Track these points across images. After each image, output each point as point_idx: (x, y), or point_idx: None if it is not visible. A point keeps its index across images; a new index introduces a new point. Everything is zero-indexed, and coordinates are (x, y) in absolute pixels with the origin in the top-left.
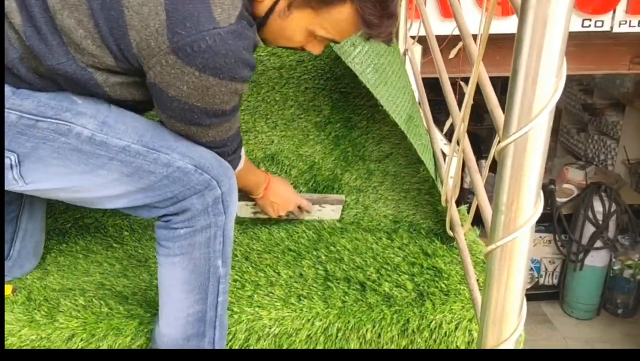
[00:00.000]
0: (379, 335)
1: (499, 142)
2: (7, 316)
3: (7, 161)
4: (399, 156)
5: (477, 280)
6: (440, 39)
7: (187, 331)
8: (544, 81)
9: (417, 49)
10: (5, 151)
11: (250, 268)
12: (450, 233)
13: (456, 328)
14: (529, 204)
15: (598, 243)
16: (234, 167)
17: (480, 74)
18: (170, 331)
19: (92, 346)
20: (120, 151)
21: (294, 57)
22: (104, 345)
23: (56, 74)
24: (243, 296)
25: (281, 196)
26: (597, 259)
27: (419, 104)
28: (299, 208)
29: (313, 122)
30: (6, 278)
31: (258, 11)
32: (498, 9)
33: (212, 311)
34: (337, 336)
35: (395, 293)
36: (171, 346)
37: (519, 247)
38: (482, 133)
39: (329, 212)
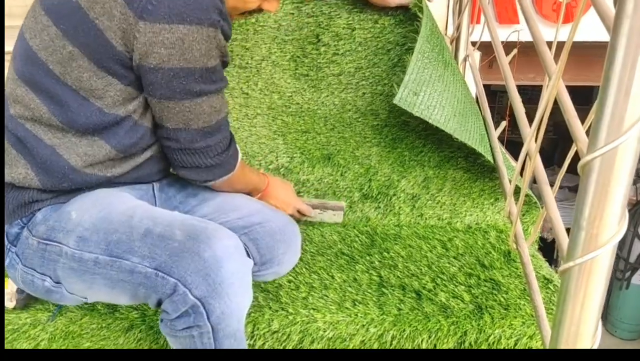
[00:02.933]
0: (435, 345)
1: (575, 155)
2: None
3: (47, 284)
4: (460, 160)
5: None
6: (489, 45)
7: None
8: (637, 94)
9: (477, 55)
10: (42, 275)
11: (304, 270)
12: (513, 246)
13: (515, 344)
14: (613, 222)
15: None
16: (232, 165)
17: (559, 84)
18: None
19: (150, 338)
20: (94, 265)
21: (353, 65)
22: (162, 338)
23: (88, 132)
24: (298, 298)
25: (280, 198)
26: None
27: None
28: (299, 212)
29: (370, 126)
30: None
31: None
32: (553, 15)
33: None
34: (391, 344)
35: (452, 304)
36: None
37: (600, 266)
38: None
39: (330, 215)
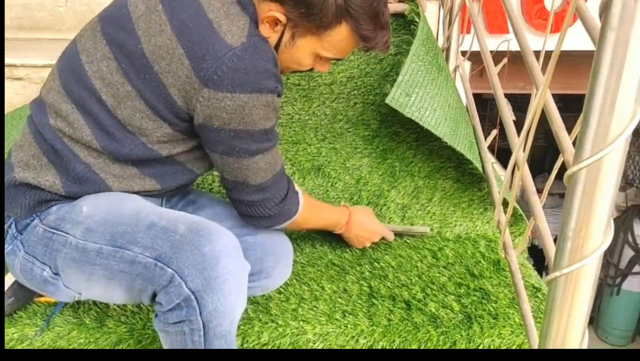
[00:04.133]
0: None
1: (562, 166)
2: (57, 319)
3: (46, 274)
4: (450, 170)
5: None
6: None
7: None
8: (622, 106)
9: (467, 65)
10: (42, 264)
11: (295, 281)
12: (502, 255)
13: None
14: (598, 232)
15: (637, 268)
16: (292, 212)
17: (546, 95)
18: None
19: None
20: (97, 255)
21: (345, 74)
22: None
23: (128, 162)
24: (287, 309)
25: (365, 228)
26: (635, 284)
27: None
28: (383, 238)
29: (361, 136)
30: None
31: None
32: (542, 24)
33: None
34: None
35: (442, 314)
36: None
37: (586, 276)
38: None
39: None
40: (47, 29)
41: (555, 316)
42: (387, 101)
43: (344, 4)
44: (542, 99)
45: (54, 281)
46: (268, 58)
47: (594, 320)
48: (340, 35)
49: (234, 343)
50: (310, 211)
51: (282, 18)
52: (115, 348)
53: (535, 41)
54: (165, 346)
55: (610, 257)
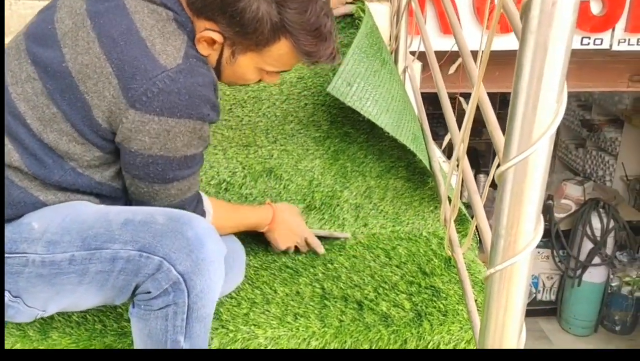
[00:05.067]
0: None
1: (499, 165)
2: None
3: (6, 299)
4: (401, 170)
5: (476, 301)
6: (440, 54)
7: None
8: (544, 106)
9: (417, 65)
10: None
11: (247, 285)
12: (449, 252)
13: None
14: (528, 229)
15: (596, 260)
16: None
17: (480, 95)
18: None
19: None
20: (69, 263)
21: (295, 75)
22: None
23: (62, 188)
24: (239, 314)
25: (290, 228)
26: (595, 275)
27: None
28: (307, 242)
29: (312, 137)
30: None
31: (209, 63)
32: (498, 25)
33: None
34: None
35: (393, 313)
36: None
37: (519, 271)
38: (480, 147)
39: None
40: None
41: (493, 311)
42: (329, 89)
43: (280, 22)
44: (476, 97)
45: (13, 304)
46: (205, 82)
47: (557, 312)
48: (281, 50)
49: (209, 330)
50: (223, 219)
51: (218, 37)
52: None
53: (496, 41)
54: (140, 336)
55: (570, 249)
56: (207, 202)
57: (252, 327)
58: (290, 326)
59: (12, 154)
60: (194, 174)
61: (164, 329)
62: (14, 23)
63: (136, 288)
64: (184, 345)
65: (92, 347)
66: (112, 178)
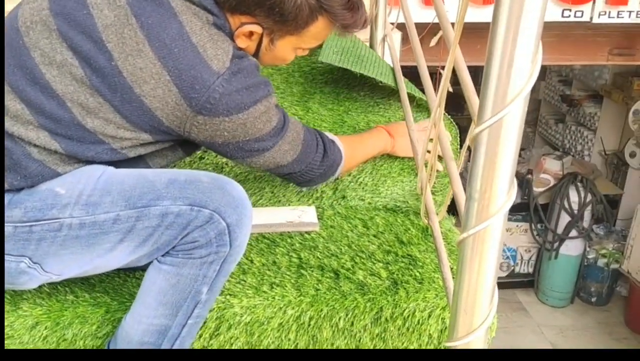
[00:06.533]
0: (352, 323)
1: (474, 128)
2: None
3: (23, 266)
4: None
5: (452, 268)
6: (420, 27)
7: (144, 338)
8: (519, 66)
9: (397, 35)
10: (18, 257)
11: None
12: (425, 221)
13: (429, 316)
14: (502, 192)
15: (573, 233)
16: (339, 157)
17: (456, 59)
18: (130, 330)
19: (57, 335)
20: (113, 223)
21: None
22: (69, 334)
23: (85, 161)
24: None
25: (406, 139)
26: (572, 248)
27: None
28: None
29: (292, 110)
30: None
31: (247, 52)
32: None
33: (176, 329)
34: (309, 325)
35: (369, 281)
36: (125, 345)
37: (491, 235)
38: (462, 123)
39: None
40: None
41: (466, 276)
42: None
43: (316, 3)
44: (451, 63)
45: (30, 270)
46: (252, 70)
47: (535, 284)
48: (319, 28)
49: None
50: (353, 150)
51: (258, 29)
52: (32, 331)
53: (478, 13)
54: (159, 288)
55: (548, 223)
56: (337, 140)
57: (228, 297)
58: (266, 295)
59: (40, 132)
60: (288, 126)
61: (194, 278)
62: None
63: (177, 242)
64: (204, 296)
65: (64, 318)
66: (148, 155)
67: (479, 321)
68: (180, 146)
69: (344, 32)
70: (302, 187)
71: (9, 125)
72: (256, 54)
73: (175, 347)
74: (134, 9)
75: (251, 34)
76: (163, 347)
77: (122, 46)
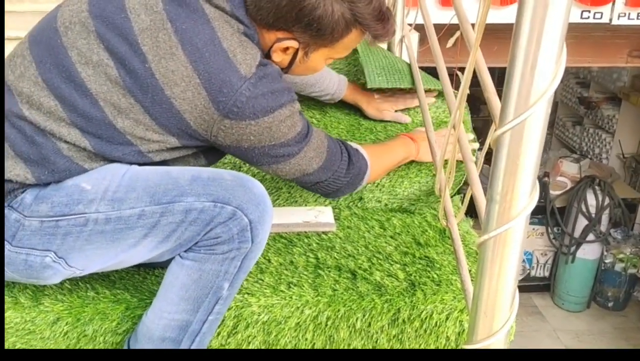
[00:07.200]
0: (369, 324)
1: (495, 130)
2: None
3: (48, 260)
4: None
5: (470, 271)
6: (438, 27)
7: (165, 333)
8: (543, 68)
9: (414, 36)
10: (43, 251)
11: None
12: (443, 223)
13: (447, 318)
14: (524, 194)
15: (590, 236)
16: (364, 166)
17: (477, 60)
18: (151, 326)
19: (77, 331)
20: (138, 218)
21: None
22: (90, 330)
23: (112, 160)
24: None
25: (427, 145)
26: (589, 252)
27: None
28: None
29: (309, 114)
30: None
31: (281, 65)
32: None
33: (197, 325)
34: (326, 325)
35: (387, 283)
36: (146, 340)
37: (513, 238)
38: (478, 125)
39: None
40: None
41: (486, 278)
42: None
43: (352, 17)
44: (472, 65)
45: (54, 265)
46: (276, 76)
47: (551, 288)
48: (351, 39)
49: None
50: (378, 159)
51: (294, 44)
52: (53, 327)
53: (496, 14)
54: (182, 283)
55: (565, 226)
56: (361, 149)
57: (246, 295)
58: (283, 294)
59: (71, 130)
60: (312, 134)
61: (216, 273)
62: None
63: (200, 238)
64: (225, 292)
65: (85, 314)
66: (171, 161)
67: (500, 324)
68: (204, 154)
69: (374, 42)
70: (331, 198)
71: (41, 120)
72: (289, 66)
73: (195, 343)
74: (169, 14)
75: (287, 48)
76: (183, 343)
77: (156, 49)
